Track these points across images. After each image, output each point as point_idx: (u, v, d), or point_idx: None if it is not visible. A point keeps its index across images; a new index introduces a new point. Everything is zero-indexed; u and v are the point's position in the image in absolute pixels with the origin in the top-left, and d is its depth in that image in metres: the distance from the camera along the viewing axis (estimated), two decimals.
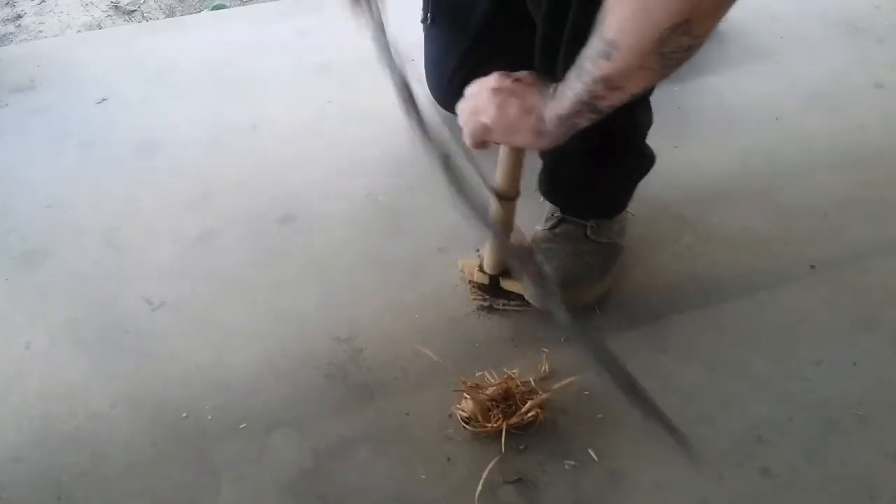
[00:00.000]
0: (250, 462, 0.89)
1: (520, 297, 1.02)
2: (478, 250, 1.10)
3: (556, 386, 0.93)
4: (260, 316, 1.05)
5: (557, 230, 1.04)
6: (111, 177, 1.27)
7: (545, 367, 0.96)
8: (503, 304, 1.03)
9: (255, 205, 1.21)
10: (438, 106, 1.23)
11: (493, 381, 0.94)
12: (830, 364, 0.98)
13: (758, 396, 0.94)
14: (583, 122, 0.75)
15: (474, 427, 0.90)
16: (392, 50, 0.84)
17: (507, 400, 0.90)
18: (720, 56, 1.47)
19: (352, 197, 1.22)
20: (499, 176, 0.92)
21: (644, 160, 1.03)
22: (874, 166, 1.27)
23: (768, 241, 1.14)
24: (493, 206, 0.94)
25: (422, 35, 1.25)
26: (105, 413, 0.94)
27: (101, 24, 1.92)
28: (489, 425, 0.89)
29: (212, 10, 1.85)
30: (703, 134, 1.33)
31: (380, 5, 0.87)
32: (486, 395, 0.90)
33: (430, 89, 1.24)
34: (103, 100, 1.43)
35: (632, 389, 0.73)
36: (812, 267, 1.10)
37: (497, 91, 0.80)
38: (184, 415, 0.94)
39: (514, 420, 0.89)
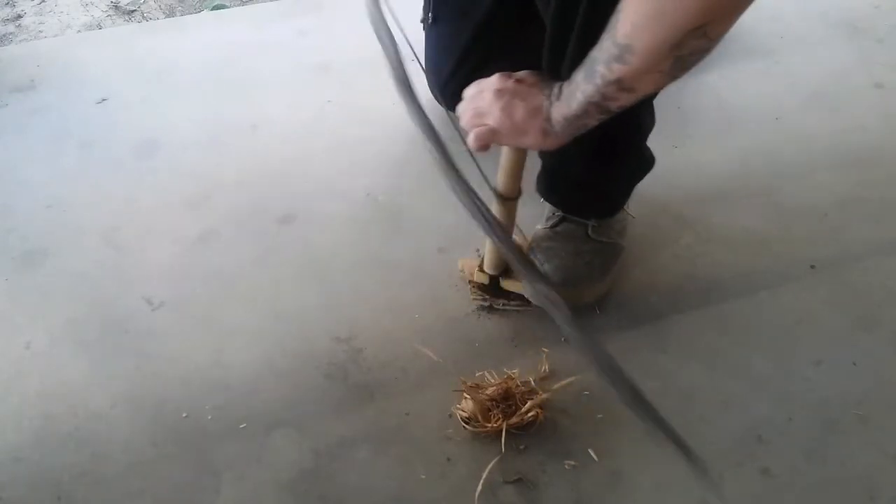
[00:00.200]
0: (250, 462, 0.89)
1: (520, 297, 1.02)
2: (478, 250, 1.10)
3: (556, 386, 0.93)
4: (260, 316, 1.05)
5: (558, 229, 1.04)
6: (111, 177, 1.27)
7: (545, 367, 0.96)
8: (503, 304, 1.04)
9: (255, 205, 1.21)
10: (440, 105, 1.23)
11: (493, 381, 0.94)
12: (830, 364, 0.98)
13: (758, 396, 0.94)
14: (591, 123, 0.75)
15: (474, 427, 0.90)
16: (397, 47, 0.83)
17: (507, 400, 0.91)
18: (720, 56, 1.46)
19: (352, 197, 1.22)
20: (500, 176, 0.92)
21: (644, 162, 1.03)
22: (874, 166, 1.27)
23: (768, 241, 1.14)
24: (495, 206, 0.94)
25: (421, 37, 1.25)
26: (105, 413, 0.94)
27: (101, 24, 1.92)
28: (489, 425, 0.89)
29: (212, 10, 1.85)
30: (703, 134, 1.33)
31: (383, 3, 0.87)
32: (486, 395, 0.90)
33: (431, 89, 1.24)
34: (103, 100, 1.43)
35: (634, 397, 0.73)
36: (812, 267, 1.10)
37: (500, 93, 0.80)
38: (184, 415, 0.94)
39: (514, 420, 0.89)
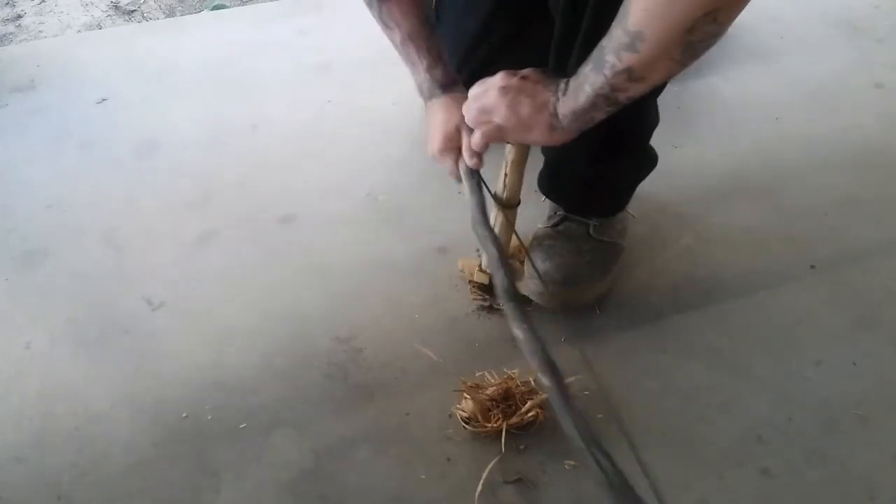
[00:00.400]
0: (250, 462, 0.89)
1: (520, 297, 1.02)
2: (478, 250, 1.10)
3: None
4: (260, 316, 1.05)
5: (560, 228, 1.04)
6: (111, 177, 1.27)
7: None
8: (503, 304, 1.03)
9: (255, 205, 1.21)
10: None
11: (493, 381, 0.94)
12: (830, 364, 0.98)
13: (758, 396, 0.94)
14: (600, 116, 0.75)
15: (474, 427, 0.90)
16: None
17: (507, 400, 0.90)
18: (720, 56, 1.47)
19: (352, 197, 1.22)
20: (502, 183, 0.92)
21: (648, 160, 1.03)
22: (874, 166, 1.27)
23: (768, 241, 1.14)
24: (494, 213, 0.94)
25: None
26: (105, 413, 0.94)
27: (101, 24, 1.92)
28: (489, 425, 0.89)
29: (212, 10, 1.85)
30: (703, 134, 1.33)
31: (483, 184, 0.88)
32: (486, 395, 0.90)
33: None
34: (103, 100, 1.43)
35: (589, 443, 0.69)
36: (812, 267, 1.10)
37: (505, 89, 0.80)
38: (184, 415, 0.94)
39: (514, 420, 0.89)
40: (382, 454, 0.90)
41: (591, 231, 1.03)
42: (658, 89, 0.88)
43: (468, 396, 0.91)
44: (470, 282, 1.04)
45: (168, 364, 0.99)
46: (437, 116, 0.91)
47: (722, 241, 1.14)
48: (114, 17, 1.96)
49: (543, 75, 0.81)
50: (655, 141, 1.03)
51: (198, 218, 1.19)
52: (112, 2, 2.01)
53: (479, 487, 0.85)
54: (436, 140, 0.91)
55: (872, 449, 0.89)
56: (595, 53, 0.71)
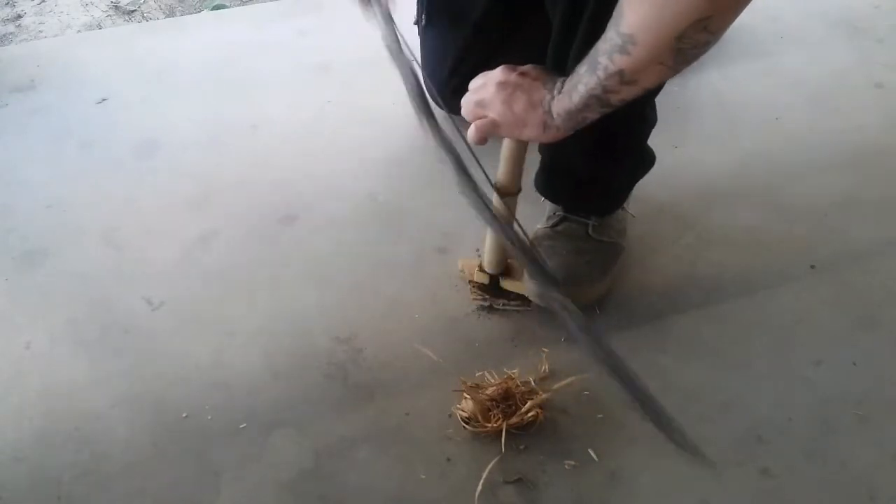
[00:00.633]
0: (250, 462, 0.89)
1: (520, 297, 1.02)
2: (478, 250, 1.10)
3: (556, 386, 0.93)
4: (260, 316, 1.05)
5: (559, 228, 1.04)
6: (111, 177, 1.27)
7: (545, 367, 0.96)
8: (503, 304, 1.03)
9: (256, 205, 1.21)
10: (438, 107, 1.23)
11: (493, 381, 0.94)
12: (830, 364, 0.98)
13: (758, 396, 0.94)
14: (592, 116, 0.75)
15: (474, 427, 0.90)
16: (403, 45, 0.84)
17: (507, 400, 0.90)
18: (720, 56, 1.47)
19: (352, 197, 1.22)
20: (501, 171, 0.92)
21: (645, 159, 1.04)
22: (874, 166, 1.27)
23: (768, 241, 1.14)
24: (495, 201, 0.94)
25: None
26: (105, 413, 0.94)
27: (101, 24, 1.92)
28: (489, 425, 0.89)
29: (212, 10, 1.85)
30: (703, 134, 1.33)
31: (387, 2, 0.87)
32: (486, 395, 0.90)
33: (428, 91, 1.23)
34: (103, 100, 1.43)
35: (639, 395, 0.73)
36: (812, 267, 1.10)
37: (503, 85, 0.80)
38: (184, 415, 0.94)
39: (514, 420, 0.89)
40: (382, 454, 0.90)
41: (590, 231, 1.03)
42: (655, 90, 0.88)
43: (468, 396, 0.91)
44: (470, 282, 1.04)
45: (168, 364, 0.99)
46: None
47: (722, 241, 1.14)
48: (114, 17, 1.96)
49: (542, 72, 0.81)
50: (655, 141, 1.03)
51: (198, 218, 1.19)
52: (112, 2, 2.01)
53: (479, 487, 0.85)
54: None
55: (872, 449, 0.89)
56: (590, 54, 0.71)
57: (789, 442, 0.90)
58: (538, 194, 1.08)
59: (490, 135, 0.83)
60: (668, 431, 0.72)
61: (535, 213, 1.08)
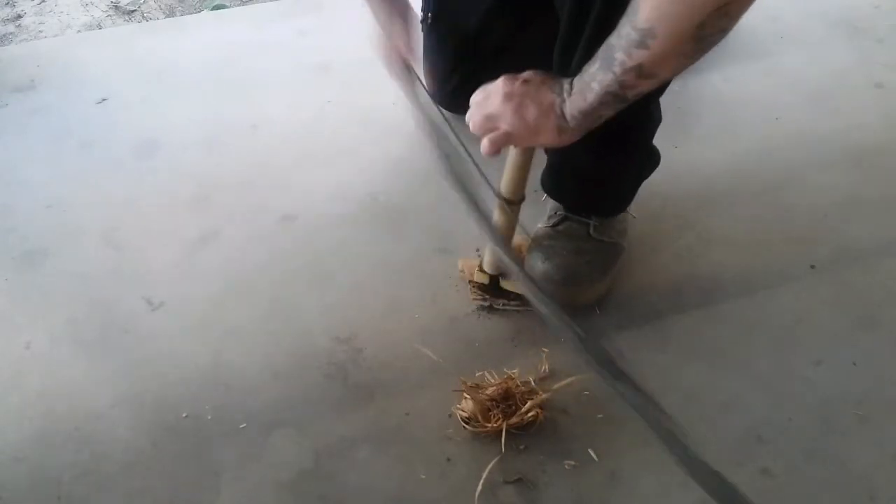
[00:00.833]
0: (250, 462, 0.89)
1: (520, 297, 1.02)
2: (478, 250, 1.10)
3: (556, 386, 0.93)
4: (260, 316, 1.05)
5: (560, 227, 1.04)
6: (111, 177, 1.27)
7: (545, 367, 0.96)
8: (503, 304, 1.03)
9: (256, 205, 1.21)
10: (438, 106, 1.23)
11: (493, 381, 0.94)
12: (830, 364, 0.98)
13: (758, 396, 0.94)
14: (608, 113, 0.75)
15: (474, 427, 0.90)
16: (446, 128, 0.84)
17: (507, 400, 0.90)
18: (720, 56, 1.47)
19: (352, 197, 1.22)
20: (506, 180, 0.92)
21: (651, 158, 1.03)
22: (874, 166, 1.27)
23: (768, 241, 1.14)
24: (497, 210, 0.94)
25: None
26: (105, 413, 0.94)
27: (101, 24, 1.92)
28: (489, 425, 0.89)
29: (212, 10, 1.85)
30: (703, 134, 1.33)
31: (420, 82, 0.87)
32: (486, 395, 0.90)
33: (428, 90, 1.23)
34: (103, 100, 1.43)
35: (642, 406, 0.73)
36: (812, 267, 1.10)
37: (509, 95, 0.79)
38: (184, 415, 0.94)
39: (514, 420, 0.89)
40: (382, 454, 0.90)
41: (591, 231, 1.03)
42: (663, 86, 0.88)
43: (468, 396, 0.91)
44: (470, 282, 1.04)
45: (168, 364, 0.99)
46: (381, 17, 0.92)
47: (722, 241, 1.14)
48: (114, 17, 1.95)
49: (545, 77, 0.80)
50: (656, 140, 1.03)
51: (198, 218, 1.19)
52: (112, 2, 2.01)
53: (479, 487, 0.85)
54: (383, 45, 0.91)
55: (872, 449, 0.89)
56: (602, 51, 0.70)
57: (789, 442, 0.90)
58: (538, 194, 1.08)
59: (504, 146, 0.83)
60: (671, 444, 0.72)
61: (535, 214, 1.08)
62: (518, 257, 0.99)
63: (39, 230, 1.18)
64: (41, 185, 1.26)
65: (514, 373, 0.94)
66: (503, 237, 0.85)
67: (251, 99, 1.42)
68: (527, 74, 0.81)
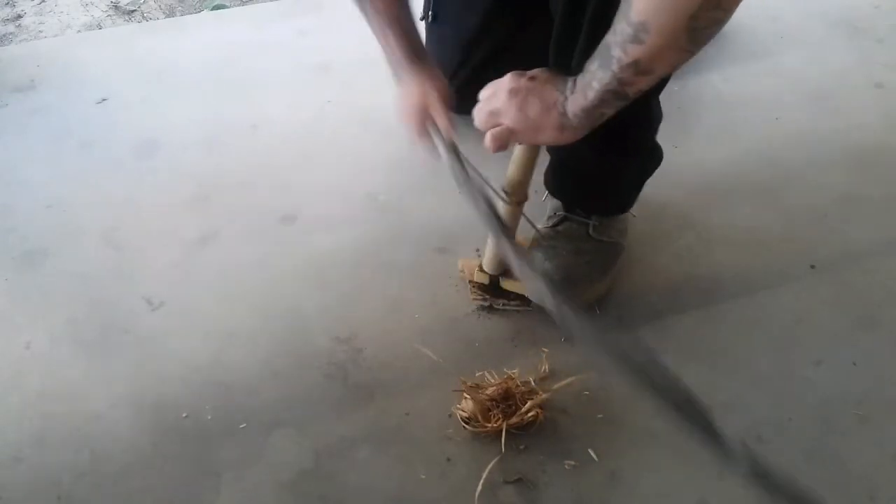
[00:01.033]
0: (250, 462, 0.89)
1: (520, 297, 1.02)
2: (478, 250, 1.10)
3: (556, 386, 0.93)
4: (260, 316, 1.05)
5: (560, 228, 1.04)
6: (111, 177, 1.27)
7: (545, 367, 0.96)
8: (503, 304, 1.03)
9: (256, 205, 1.21)
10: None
11: (493, 381, 0.94)
12: (830, 364, 0.98)
13: (758, 396, 0.94)
14: (609, 111, 0.75)
15: (474, 427, 0.90)
16: (471, 172, 0.84)
17: (507, 400, 0.90)
18: (720, 55, 1.47)
19: (352, 197, 1.22)
20: (511, 176, 0.91)
21: (654, 156, 1.03)
22: (874, 166, 1.27)
23: (768, 241, 1.14)
24: (500, 209, 0.94)
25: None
26: (105, 413, 0.94)
27: (101, 24, 1.92)
28: (489, 425, 0.89)
29: (212, 10, 1.85)
30: (703, 134, 1.33)
31: (451, 129, 0.87)
32: (486, 395, 0.90)
33: None
34: (103, 100, 1.43)
35: (654, 381, 0.73)
36: (812, 267, 1.10)
37: (514, 91, 0.79)
38: (184, 415, 0.94)
39: (514, 420, 0.89)
40: (382, 454, 0.90)
41: (590, 231, 1.03)
42: (663, 83, 0.88)
43: (468, 396, 0.91)
44: (470, 282, 1.04)
45: (168, 364, 0.99)
46: (409, 88, 0.91)
47: (722, 241, 1.14)
48: (114, 17, 1.96)
49: (552, 75, 0.81)
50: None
51: (198, 218, 1.19)
52: (112, 2, 2.01)
53: (479, 487, 0.85)
54: (409, 114, 0.91)
55: (872, 449, 0.89)
56: (600, 49, 0.70)
57: (789, 442, 0.90)
58: (538, 194, 1.08)
59: (507, 142, 0.83)
60: (705, 432, 0.71)
61: (535, 214, 1.08)
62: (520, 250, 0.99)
63: (39, 230, 1.18)
64: (41, 185, 1.26)
65: (514, 373, 0.94)
66: (507, 229, 0.85)
67: (251, 99, 1.42)
68: (534, 72, 0.81)
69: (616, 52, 0.68)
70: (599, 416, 0.92)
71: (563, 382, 0.93)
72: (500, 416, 0.89)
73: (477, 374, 0.96)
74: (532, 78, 0.80)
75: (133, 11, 1.98)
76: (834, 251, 1.12)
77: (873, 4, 1.64)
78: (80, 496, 0.87)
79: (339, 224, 1.18)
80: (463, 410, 0.91)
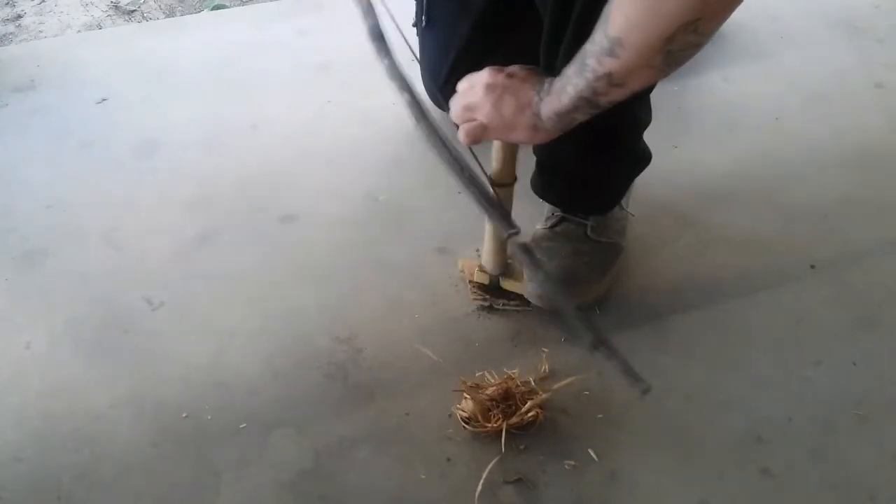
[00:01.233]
0: (250, 462, 0.89)
1: (520, 297, 1.02)
2: (478, 250, 1.10)
3: (556, 386, 0.93)
4: (260, 316, 1.05)
5: (558, 229, 1.04)
6: (111, 177, 1.27)
7: (545, 367, 0.96)
8: (503, 304, 1.03)
9: (255, 205, 1.21)
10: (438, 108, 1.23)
11: (493, 381, 0.94)
12: (830, 364, 0.98)
13: (758, 396, 0.94)
14: (581, 118, 0.75)
15: (474, 427, 0.90)
16: (390, 44, 0.83)
17: (507, 400, 0.90)
18: (720, 56, 1.47)
19: (352, 197, 1.22)
20: (494, 163, 0.91)
21: (641, 158, 1.03)
22: (874, 166, 1.27)
23: (768, 241, 1.14)
24: (491, 193, 0.93)
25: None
26: (105, 413, 0.94)
27: (101, 24, 1.92)
28: (489, 425, 0.89)
29: (212, 10, 1.85)
30: (703, 134, 1.33)
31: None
32: (486, 395, 0.90)
33: (427, 91, 1.24)
34: (103, 100, 1.43)
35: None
36: (812, 267, 1.10)
37: (491, 87, 0.80)
38: (184, 415, 0.94)
39: (514, 420, 0.89)
40: (382, 454, 0.90)
41: (588, 232, 1.03)
42: (648, 88, 0.88)
43: (468, 396, 0.91)
44: (470, 282, 1.04)
45: (168, 364, 0.99)
46: None
47: (722, 241, 1.14)
48: (114, 17, 1.96)
49: (530, 73, 0.81)
50: (655, 141, 1.03)
51: (198, 218, 1.19)
52: (112, 2, 2.01)
53: (479, 487, 0.85)
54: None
55: (872, 449, 0.89)
56: (578, 56, 0.71)
57: (789, 442, 0.90)
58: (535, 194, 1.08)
59: (480, 138, 0.83)
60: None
61: (535, 214, 1.08)
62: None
63: (39, 230, 1.18)
64: (41, 185, 1.26)
65: (514, 373, 0.94)
66: (502, 212, 0.84)
67: (251, 99, 1.42)
68: (513, 68, 0.81)
69: (591, 62, 0.68)
70: (599, 416, 0.92)
71: (563, 382, 0.93)
72: (500, 416, 0.89)
73: (477, 374, 0.96)
74: (510, 75, 0.80)
75: (133, 11, 1.98)
76: (834, 251, 1.12)
77: (873, 4, 1.64)
78: (80, 496, 0.87)
79: (339, 224, 1.18)
80: (463, 410, 0.91)
